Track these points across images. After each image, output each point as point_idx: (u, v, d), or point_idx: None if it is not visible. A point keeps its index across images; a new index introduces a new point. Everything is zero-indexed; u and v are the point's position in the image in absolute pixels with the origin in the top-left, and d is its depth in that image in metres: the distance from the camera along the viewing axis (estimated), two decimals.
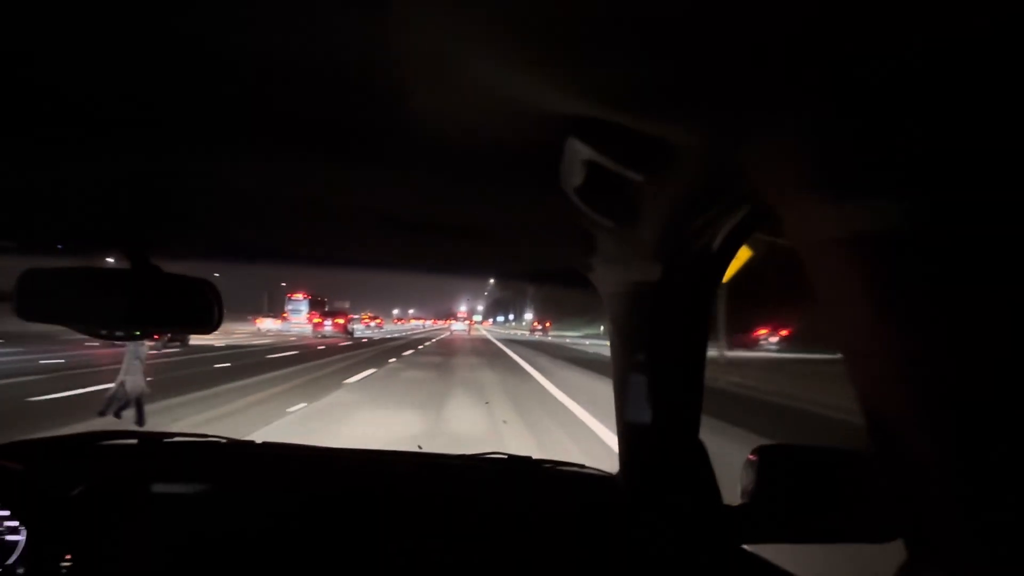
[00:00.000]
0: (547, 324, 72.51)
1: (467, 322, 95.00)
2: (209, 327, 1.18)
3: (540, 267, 1.62)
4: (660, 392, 1.01)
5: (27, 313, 1.12)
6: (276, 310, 50.21)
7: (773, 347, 25.58)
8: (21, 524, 1.10)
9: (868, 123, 0.45)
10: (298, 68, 0.67)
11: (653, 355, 0.99)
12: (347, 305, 57.71)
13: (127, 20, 0.59)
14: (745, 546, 1.00)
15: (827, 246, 0.48)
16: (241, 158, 0.95)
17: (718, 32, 0.45)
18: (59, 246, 1.40)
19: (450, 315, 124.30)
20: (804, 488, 0.87)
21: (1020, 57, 0.39)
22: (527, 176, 0.86)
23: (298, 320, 45.11)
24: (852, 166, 0.45)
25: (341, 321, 40.77)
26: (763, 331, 26.69)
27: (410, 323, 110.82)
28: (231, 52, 0.64)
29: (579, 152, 0.70)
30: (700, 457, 1.04)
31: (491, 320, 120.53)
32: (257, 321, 43.58)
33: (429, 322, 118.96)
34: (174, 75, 0.70)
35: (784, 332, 26.12)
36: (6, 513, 1.10)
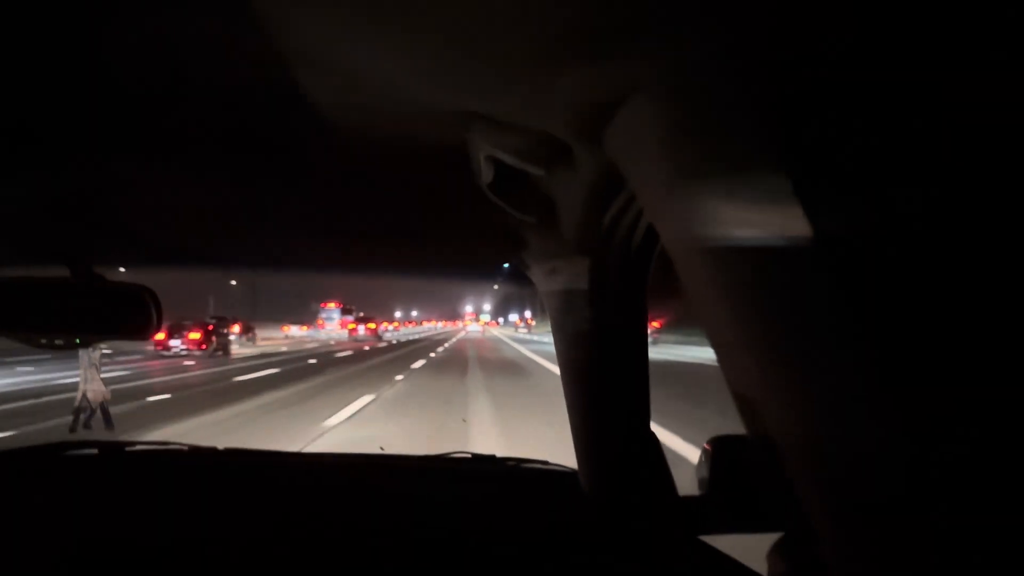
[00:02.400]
0: (529, 321, 76.62)
1: (482, 323, 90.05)
2: (148, 333, 1.16)
3: (479, 265, 1.62)
4: (606, 386, 0.98)
5: None
6: (299, 318, 51.76)
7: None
8: None
9: (712, 112, 0.42)
10: (202, 83, 0.67)
11: (594, 350, 0.97)
12: (359, 314, 60.62)
13: (50, 44, 0.60)
14: (701, 537, 0.96)
15: (689, 245, 0.47)
16: (167, 169, 0.93)
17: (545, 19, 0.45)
18: None
19: (457, 316, 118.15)
20: (759, 478, 0.85)
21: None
22: (442, 175, 0.85)
23: (332, 326, 50.07)
24: (699, 163, 0.44)
25: (373, 326, 44.18)
26: (655, 324, 21.59)
27: (423, 326, 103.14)
28: (143, 69, 0.65)
29: (480, 148, 0.69)
30: (653, 449, 1.01)
31: (499, 320, 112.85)
32: (284, 328, 45.23)
33: (441, 324, 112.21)
34: (91, 94, 0.70)
35: (657, 324, 21.76)
36: None
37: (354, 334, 42.08)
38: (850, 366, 0.37)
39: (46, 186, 1.00)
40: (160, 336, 20.32)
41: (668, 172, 0.47)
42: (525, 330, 68.05)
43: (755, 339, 0.42)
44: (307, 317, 53.62)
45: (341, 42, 0.57)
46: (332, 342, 34.25)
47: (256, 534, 1.06)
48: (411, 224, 1.21)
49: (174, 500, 1.17)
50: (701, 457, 0.94)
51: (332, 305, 53.66)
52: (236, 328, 27.91)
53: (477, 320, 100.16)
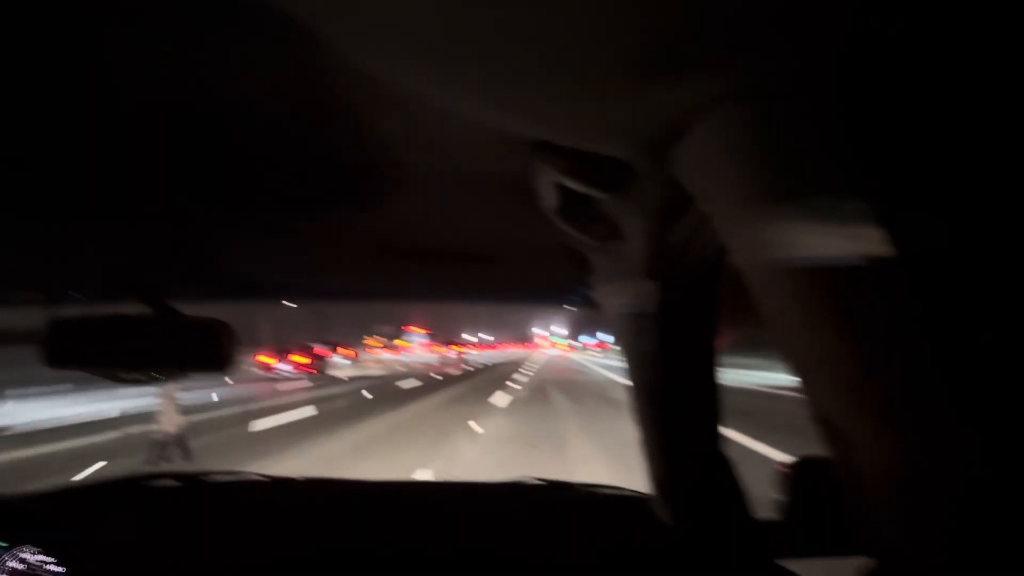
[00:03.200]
0: (604, 345, 76.57)
1: (561, 345, 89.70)
2: (224, 366, 1.15)
3: (550, 289, 1.61)
4: (677, 408, 0.96)
5: (55, 361, 1.12)
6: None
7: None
8: (65, 569, 1.09)
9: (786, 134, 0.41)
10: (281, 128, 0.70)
11: (664, 371, 0.94)
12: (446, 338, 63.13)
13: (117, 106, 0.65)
14: (779, 561, 0.93)
15: (767, 265, 0.45)
16: (247, 210, 0.97)
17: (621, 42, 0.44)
18: (78, 295, 1.42)
19: (526, 339, 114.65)
20: (837, 501, 0.81)
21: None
22: (512, 200, 0.86)
23: (416, 350, 53.67)
24: (778, 182, 0.42)
25: (460, 349, 48.14)
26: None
27: (496, 350, 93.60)
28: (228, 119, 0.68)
29: (545, 173, 0.70)
30: (727, 471, 0.98)
31: (572, 344, 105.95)
32: (373, 351, 47.69)
33: (512, 347, 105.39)
34: (175, 151, 0.74)
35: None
36: (51, 559, 1.09)
37: (443, 356, 44.84)
38: (944, 386, 0.36)
39: (129, 228, 1.05)
40: (266, 360, 22.61)
41: (745, 192, 0.46)
42: (600, 353, 67.72)
43: (843, 360, 0.40)
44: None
45: (419, 80, 0.57)
46: (420, 365, 35.56)
47: (336, 564, 1.04)
48: (482, 249, 1.20)
49: (255, 532, 1.15)
50: (778, 479, 0.91)
51: (416, 329, 58.14)
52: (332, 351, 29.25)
53: (552, 344, 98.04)
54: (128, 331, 1.16)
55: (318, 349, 24.72)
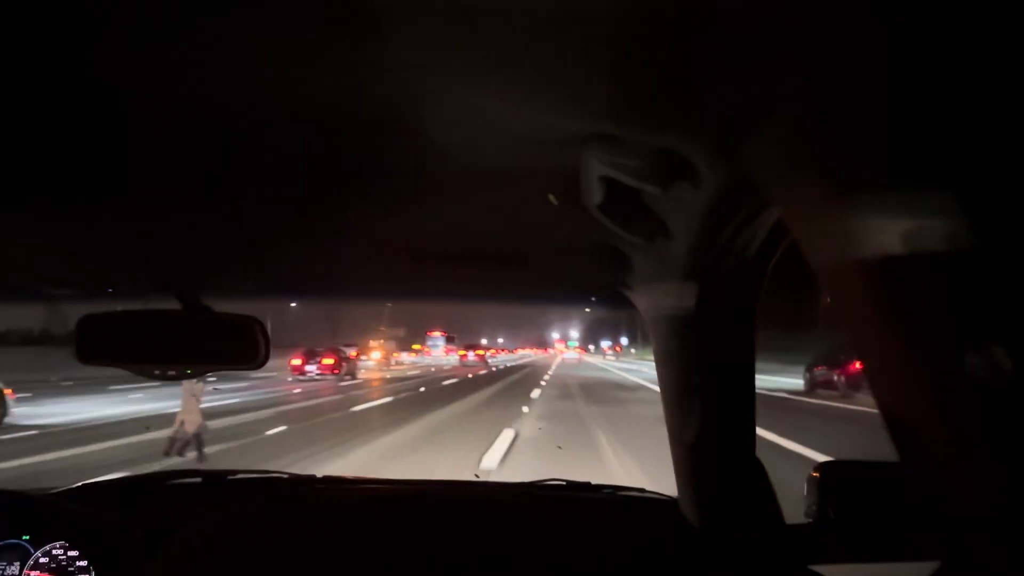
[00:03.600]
0: (617, 348, 79.74)
1: (577, 350, 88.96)
2: (257, 363, 1.15)
3: (583, 289, 1.59)
4: (711, 411, 0.94)
5: (87, 356, 1.11)
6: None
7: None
8: (90, 564, 1.09)
9: (876, 120, 0.39)
10: (323, 114, 0.67)
11: (699, 374, 0.93)
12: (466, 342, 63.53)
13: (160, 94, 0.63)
14: (812, 567, 0.91)
15: (842, 262, 0.43)
16: (282, 203, 0.94)
17: (702, 29, 0.43)
18: (110, 290, 1.43)
19: (544, 344, 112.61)
20: (871, 505, 0.83)
21: None
22: (550, 196, 0.84)
23: (437, 353, 54.91)
24: (861, 175, 0.40)
25: (482, 352, 48.34)
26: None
27: (516, 353, 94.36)
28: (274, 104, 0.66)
29: (595, 168, 0.67)
30: (759, 476, 0.96)
31: (588, 348, 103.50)
32: (394, 355, 47.82)
33: (532, 351, 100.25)
34: (213, 134, 0.72)
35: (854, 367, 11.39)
36: (76, 553, 1.10)
37: (464, 359, 44.78)
38: None
39: (163, 225, 1.03)
40: (297, 362, 23.01)
41: (820, 185, 0.44)
42: (613, 357, 69.23)
43: (922, 360, 0.39)
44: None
45: (477, 74, 0.56)
46: (445, 367, 36.05)
47: (358, 566, 1.02)
48: (517, 249, 1.18)
49: (277, 530, 1.13)
50: (809, 483, 0.90)
51: (437, 333, 59.23)
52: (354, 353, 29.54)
53: (567, 347, 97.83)
54: (160, 327, 1.15)
55: (349, 353, 25.30)
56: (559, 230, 1.01)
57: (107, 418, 10.42)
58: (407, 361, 46.48)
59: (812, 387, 13.67)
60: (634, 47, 0.47)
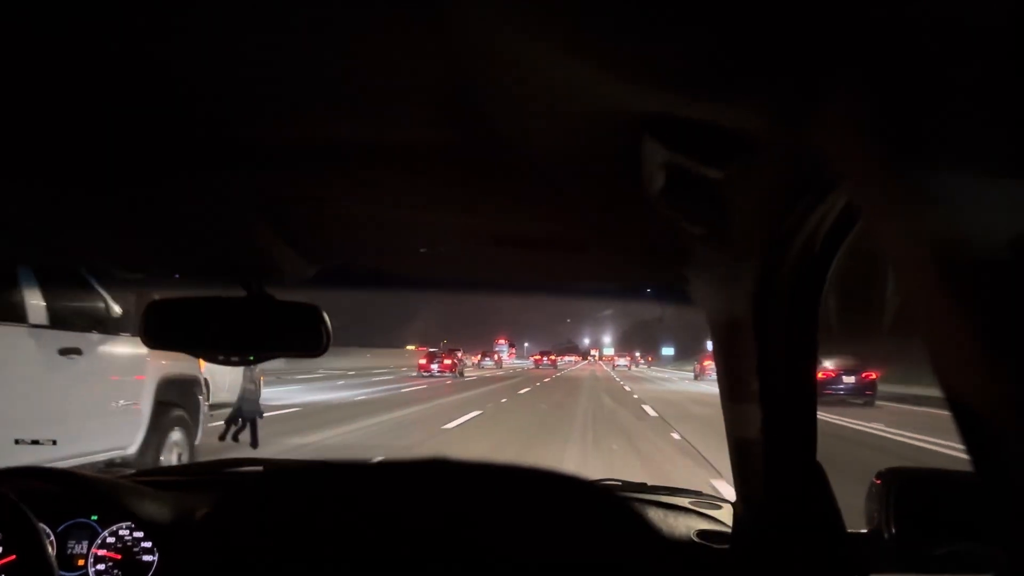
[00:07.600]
0: (638, 359, 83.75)
1: (627, 357, 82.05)
2: (318, 351, 1.08)
3: (640, 280, 1.48)
4: (771, 412, 0.88)
5: (153, 341, 1.08)
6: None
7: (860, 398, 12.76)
8: (154, 546, 1.09)
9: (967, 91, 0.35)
10: (389, 93, 0.65)
11: (760, 373, 0.86)
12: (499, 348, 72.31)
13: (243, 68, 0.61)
14: None
15: (916, 249, 0.39)
16: (346, 188, 0.90)
17: None
18: (176, 275, 1.44)
19: (577, 351, 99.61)
20: (935, 516, 0.79)
21: None
22: (610, 184, 0.79)
23: (506, 357, 63.73)
24: (950, 152, 0.36)
25: (554, 358, 56.80)
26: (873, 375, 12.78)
27: (564, 359, 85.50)
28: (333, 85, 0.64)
29: (656, 153, 0.62)
30: (819, 481, 0.89)
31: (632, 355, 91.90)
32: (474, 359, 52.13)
33: (572, 359, 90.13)
34: (286, 110, 0.69)
35: (871, 374, 13.05)
36: (140, 534, 1.10)
37: (539, 363, 53.24)
38: None
39: (228, 210, 0.97)
40: (423, 362, 28.60)
41: (898, 167, 0.39)
42: (636, 366, 73.06)
43: (1004, 365, 0.34)
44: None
45: (546, 49, 0.52)
46: (519, 368, 39.60)
47: (422, 549, 1.05)
48: (577, 236, 1.10)
49: (335, 513, 1.17)
50: (871, 491, 0.85)
51: (503, 341, 72.22)
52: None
53: (602, 356, 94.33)
54: (224, 314, 1.07)
55: (458, 355, 29.92)
56: (619, 218, 0.95)
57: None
58: (487, 364, 50.93)
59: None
60: (712, 11, 0.43)
